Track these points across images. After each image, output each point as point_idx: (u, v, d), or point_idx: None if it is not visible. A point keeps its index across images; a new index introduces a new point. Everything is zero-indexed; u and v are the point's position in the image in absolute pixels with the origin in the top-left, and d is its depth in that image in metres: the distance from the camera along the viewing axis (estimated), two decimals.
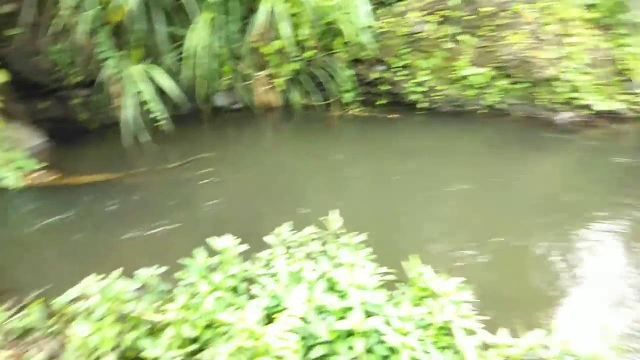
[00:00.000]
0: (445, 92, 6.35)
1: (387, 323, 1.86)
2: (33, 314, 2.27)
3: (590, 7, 6.30)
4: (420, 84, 6.40)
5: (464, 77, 6.20)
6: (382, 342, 1.82)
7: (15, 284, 3.15)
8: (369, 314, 1.91)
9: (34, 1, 5.34)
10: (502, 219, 4.06)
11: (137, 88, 5.67)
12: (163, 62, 6.04)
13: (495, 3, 6.15)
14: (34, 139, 5.54)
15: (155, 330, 2.01)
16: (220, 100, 6.68)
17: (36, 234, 3.90)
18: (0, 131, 4.73)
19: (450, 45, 6.26)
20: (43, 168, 4.94)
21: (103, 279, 1.96)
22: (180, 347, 1.86)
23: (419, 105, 6.45)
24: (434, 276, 2.15)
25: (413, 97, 6.44)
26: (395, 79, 6.51)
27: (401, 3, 6.65)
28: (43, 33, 5.55)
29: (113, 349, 1.85)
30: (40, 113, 6.05)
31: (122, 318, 1.95)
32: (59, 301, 2.23)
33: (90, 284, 1.88)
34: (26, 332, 2.25)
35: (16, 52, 5.58)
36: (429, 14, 6.36)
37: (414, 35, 6.36)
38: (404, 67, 6.46)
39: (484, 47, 6.19)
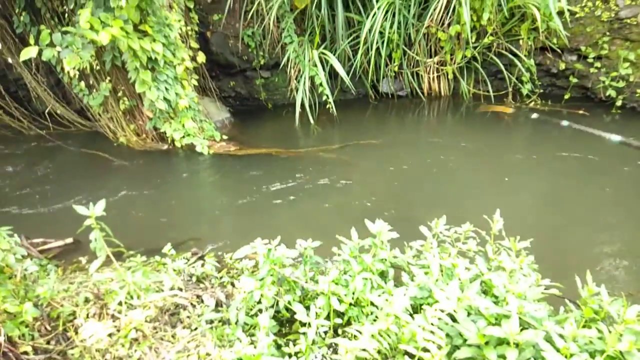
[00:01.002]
0: None
1: (548, 339, 1.68)
2: (208, 265, 2.63)
3: None
4: (619, 78, 5.49)
5: None
6: (538, 358, 1.65)
7: (197, 235, 3.67)
8: (526, 326, 1.74)
9: None
10: None
11: (313, 72, 6.03)
12: (338, 48, 6.30)
13: None
14: (221, 113, 6.33)
15: (307, 298, 2.15)
16: (386, 86, 6.71)
17: (214, 195, 4.49)
18: (196, 105, 5.51)
19: None
20: (226, 139, 5.63)
21: (268, 243, 2.15)
22: (328, 317, 1.96)
23: (615, 103, 5.55)
24: (610, 299, 1.85)
25: (608, 92, 5.56)
26: (589, 71, 5.69)
27: None
28: (240, 18, 6.26)
29: (270, 307, 2.04)
30: (228, 90, 6.89)
31: (280, 281, 2.13)
32: (230, 257, 2.54)
33: (258, 246, 2.08)
34: (202, 279, 2.62)
35: (217, 35, 6.40)
36: None
37: (621, 22, 5.44)
38: (601, 57, 5.60)
39: None
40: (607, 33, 5.51)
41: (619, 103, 5.53)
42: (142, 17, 4.68)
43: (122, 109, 5.53)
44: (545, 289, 2.03)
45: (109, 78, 5.34)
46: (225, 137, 5.68)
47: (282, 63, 6.30)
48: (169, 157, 5.37)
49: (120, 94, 5.45)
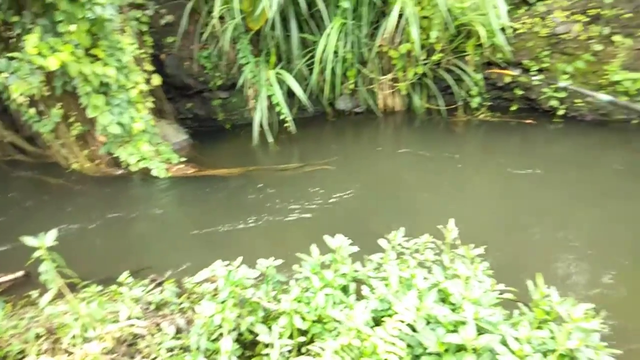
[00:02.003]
0: (590, 99, 5.69)
1: (503, 343, 1.74)
2: (167, 291, 2.57)
3: None
4: (560, 89, 5.83)
5: (615, 83, 5.49)
6: None
7: (154, 262, 3.59)
8: (482, 331, 1.80)
9: (189, 11, 6.03)
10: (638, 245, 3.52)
11: (270, 91, 6.08)
12: (294, 67, 6.39)
13: None
14: (178, 135, 6.26)
15: (269, 318, 2.14)
16: (343, 103, 6.83)
17: (173, 219, 4.41)
18: (151, 128, 5.43)
19: (599, 47, 5.59)
20: (184, 161, 5.56)
21: (228, 264, 2.13)
22: (291, 337, 1.95)
23: (557, 113, 5.88)
24: (560, 299, 1.95)
25: (551, 103, 5.89)
26: (532, 83, 6.01)
27: (544, 2, 6.14)
28: (195, 40, 6.25)
29: (232, 330, 2.01)
30: (185, 112, 6.82)
31: (242, 302, 2.11)
32: (189, 281, 2.50)
33: (218, 268, 2.06)
34: (161, 306, 2.56)
35: (172, 58, 6.36)
36: (576, 13, 5.76)
37: (558, 37, 5.81)
38: (543, 70, 5.94)
39: None
40: (547, 47, 5.86)
41: (561, 112, 5.86)
42: (94, 42, 4.60)
43: (75, 134, 5.36)
44: (499, 293, 2.11)
45: (60, 103, 5.17)
46: (183, 159, 5.60)
47: (239, 84, 6.32)
48: (124, 182, 5.24)
49: (72, 119, 5.29)
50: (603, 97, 5.38)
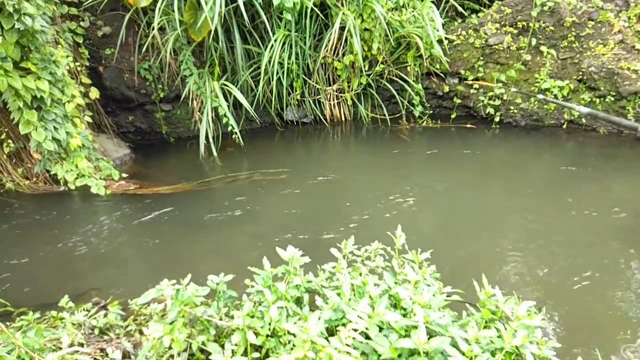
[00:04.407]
0: (522, 106, 6.06)
1: (454, 345, 1.79)
2: (111, 314, 2.45)
3: None
4: (495, 97, 6.16)
5: (544, 90, 5.89)
6: None
7: (98, 284, 3.41)
8: (433, 334, 1.85)
9: (128, 23, 5.85)
10: (580, 240, 3.77)
11: (215, 103, 5.99)
12: (239, 78, 6.34)
13: (581, 13, 5.79)
14: (119, 150, 6.01)
15: (222, 335, 2.09)
16: (291, 114, 6.86)
17: (115, 238, 4.21)
18: (90, 143, 5.18)
19: (529, 57, 5.98)
20: (125, 177, 5.34)
21: (176, 283, 2.07)
22: (245, 353, 1.92)
23: (493, 119, 6.21)
24: (504, 298, 2.04)
25: (487, 110, 6.21)
26: (469, 92, 6.32)
27: (477, 15, 6.49)
28: (135, 52, 6.06)
29: (183, 351, 1.94)
30: (127, 126, 6.58)
31: (192, 322, 2.04)
32: (135, 303, 2.39)
33: (164, 287, 1.99)
34: (106, 330, 2.43)
35: (111, 70, 6.12)
36: (507, 25, 6.13)
37: (491, 47, 6.15)
38: (479, 79, 6.25)
39: (567, 58, 5.85)
40: (481, 58, 6.19)
41: (497, 119, 6.20)
42: (24, 54, 4.34)
43: (7, 152, 5.02)
44: (447, 296, 2.18)
45: None
46: (124, 175, 5.38)
47: (183, 95, 6.18)
48: (62, 200, 4.95)
49: (3, 136, 4.96)
50: (582, 109, 5.69)
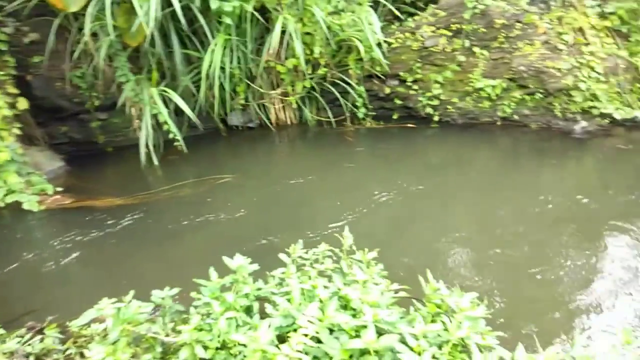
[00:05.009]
0: (459, 105, 6.33)
1: (402, 341, 1.83)
2: (49, 338, 2.30)
3: (606, 15, 6.22)
4: (433, 98, 6.39)
5: (478, 90, 6.17)
6: None
7: (32, 307, 3.20)
8: (382, 332, 1.88)
9: (57, 29, 5.54)
10: (518, 231, 3.99)
11: (155, 110, 5.80)
12: (180, 84, 6.18)
13: (509, 15, 6.13)
14: (52, 163, 5.68)
15: (169, 352, 2.02)
16: (236, 119, 6.77)
17: (51, 258, 3.96)
18: (20, 156, 4.86)
19: (463, 58, 6.25)
20: (61, 191, 5.05)
21: (117, 301, 1.98)
22: None
23: (433, 119, 6.43)
24: (449, 292, 2.11)
25: (426, 110, 6.43)
26: (409, 93, 6.51)
27: (413, 18, 6.70)
28: (66, 59, 5.74)
29: None
30: (60, 136, 6.21)
31: (136, 340, 1.96)
32: (74, 324, 2.26)
33: (105, 306, 1.90)
34: (42, 356, 2.28)
35: (40, 79, 5.77)
36: (441, 28, 6.37)
37: (427, 50, 6.37)
38: (417, 81, 6.46)
39: (498, 58, 6.17)
40: (418, 60, 6.40)
41: (436, 118, 6.43)
42: None
43: None
44: (395, 293, 2.22)
45: None
46: (59, 189, 5.08)
47: (120, 103, 5.93)
48: None
49: None
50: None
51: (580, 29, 6.10)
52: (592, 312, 3.04)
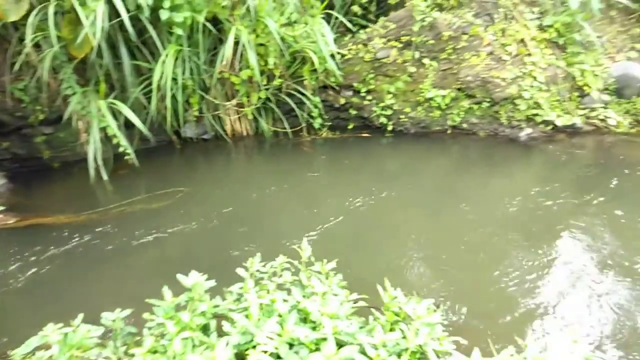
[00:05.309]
0: (411, 115, 6.49)
1: (362, 352, 1.84)
2: None
3: (545, 27, 6.59)
4: (386, 108, 6.53)
5: (429, 99, 6.37)
6: None
7: None
8: (343, 344, 1.88)
9: None
10: (472, 236, 4.12)
11: (103, 123, 5.59)
12: (130, 96, 5.99)
13: (455, 27, 6.37)
14: None
15: None
16: (190, 131, 6.64)
17: None
18: None
19: (413, 69, 6.43)
20: (2, 210, 4.75)
21: (64, 326, 1.88)
22: None
23: (387, 128, 6.56)
24: (406, 299, 2.14)
25: (380, 120, 6.56)
26: (363, 103, 6.62)
27: (365, 30, 6.84)
28: (6, 71, 5.45)
29: None
30: (2, 152, 5.86)
31: None
32: (16, 353, 2.13)
33: (50, 332, 1.79)
34: None
35: None
36: (392, 40, 6.54)
37: (379, 61, 6.52)
38: (370, 91, 6.59)
39: (446, 69, 6.39)
40: (371, 71, 6.53)
41: (390, 128, 6.57)
42: None
43: None
44: (354, 303, 2.23)
45: None
46: (1, 207, 4.78)
47: (66, 117, 5.68)
48: None
49: None
50: None
51: (522, 41, 6.42)
52: (547, 313, 3.17)
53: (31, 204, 5.03)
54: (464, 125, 6.39)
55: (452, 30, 6.37)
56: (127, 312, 2.07)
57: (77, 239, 4.21)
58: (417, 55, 6.44)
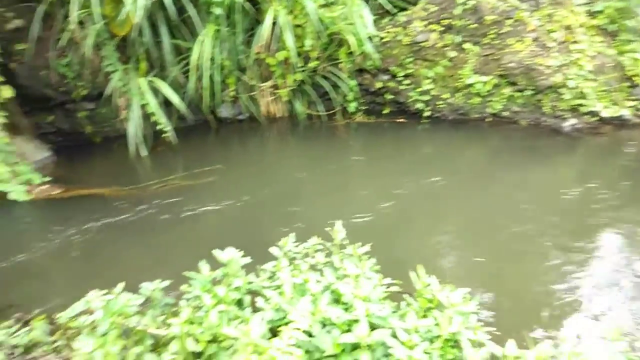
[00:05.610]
0: (450, 101, 6.34)
1: (394, 336, 1.84)
2: (37, 330, 2.27)
3: (594, 13, 6.28)
4: (424, 93, 6.40)
5: (469, 86, 6.20)
6: (388, 355, 1.79)
7: (19, 299, 3.15)
8: (374, 327, 1.89)
9: (42, 16, 5.41)
10: (508, 228, 4.02)
11: (143, 100, 5.72)
12: (169, 75, 6.09)
13: (499, 11, 6.14)
14: (39, 153, 5.59)
15: (159, 345, 2.00)
16: (225, 111, 6.71)
17: (39, 248, 3.90)
18: (5, 146, 4.77)
19: (454, 53, 6.26)
20: (48, 181, 4.96)
21: (107, 293, 1.95)
22: None
23: (423, 114, 6.44)
24: (440, 287, 2.12)
25: (417, 105, 6.44)
26: (400, 88, 6.51)
27: (404, 13, 6.68)
28: (51, 47, 5.62)
29: None
30: (47, 126, 6.10)
31: (126, 333, 1.94)
32: (62, 316, 2.23)
33: (94, 298, 1.87)
34: (31, 347, 2.25)
35: (25, 67, 5.64)
36: (432, 23, 6.37)
37: (418, 45, 6.37)
38: (408, 76, 6.46)
39: (488, 55, 6.19)
40: (409, 55, 6.39)
41: (426, 114, 6.44)
42: None
43: None
44: (386, 287, 2.23)
45: None
46: (47, 179, 4.99)
47: (107, 93, 5.83)
48: None
49: None
50: None
51: (569, 27, 6.14)
52: (586, 309, 3.08)
53: (74, 176, 5.22)
54: (505, 114, 6.19)
55: (495, 14, 6.15)
56: (166, 283, 2.13)
57: (117, 212, 4.35)
58: (457, 39, 6.25)
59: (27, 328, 2.36)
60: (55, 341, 2.27)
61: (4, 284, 3.40)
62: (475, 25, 6.20)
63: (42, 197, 4.71)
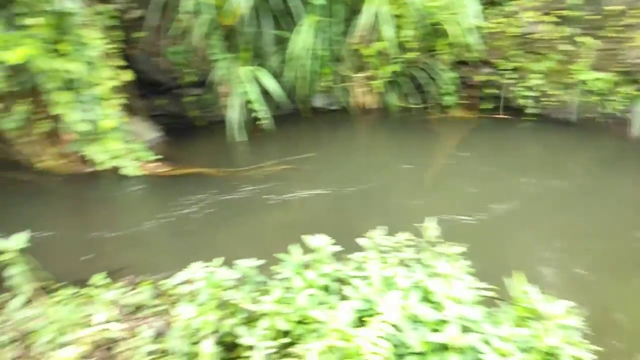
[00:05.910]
0: (559, 98, 5.85)
1: (486, 342, 1.76)
2: (144, 293, 2.49)
3: None
4: (530, 88, 5.97)
5: (582, 82, 5.66)
6: None
7: (131, 263, 3.48)
8: (464, 330, 1.82)
9: (158, 6, 5.87)
10: (620, 243, 3.64)
11: (244, 88, 5.99)
12: (268, 64, 6.31)
13: (624, 1, 5.52)
14: (151, 133, 6.10)
15: (251, 320, 2.10)
16: (319, 101, 6.81)
17: (149, 219, 4.28)
18: (124, 125, 5.27)
19: (567, 47, 5.75)
20: (158, 159, 5.42)
21: (207, 266, 2.08)
22: (274, 338, 1.92)
23: (527, 111, 6.02)
24: (541, 297, 1.98)
25: (521, 101, 6.03)
26: (503, 82, 6.14)
27: (513, 2, 6.25)
28: (164, 35, 6.08)
29: (213, 333, 1.96)
30: (157, 109, 6.64)
31: (222, 304, 2.06)
32: (167, 283, 2.43)
33: (196, 270, 2.01)
34: (137, 308, 2.48)
35: (141, 53, 6.18)
36: (544, 14, 5.90)
37: (527, 36, 5.94)
38: (513, 69, 6.06)
39: (607, 49, 5.60)
40: (516, 47, 5.99)
41: (531, 111, 6.01)
42: (58, 36, 4.42)
43: (42, 132, 5.14)
44: (480, 291, 2.13)
45: (26, 99, 4.94)
46: (156, 157, 5.46)
47: (211, 80, 6.19)
48: (95, 180, 5.07)
49: (39, 116, 5.07)
50: None
51: None
52: None
53: (180, 156, 5.65)
54: (625, 115, 5.58)
55: (619, 4, 5.53)
56: (261, 262, 2.23)
57: (220, 192, 4.63)
58: (571, 31, 5.73)
59: (135, 290, 2.60)
60: (159, 305, 2.48)
61: (119, 249, 3.80)
62: (592, 16, 5.63)
63: (152, 173, 5.16)
